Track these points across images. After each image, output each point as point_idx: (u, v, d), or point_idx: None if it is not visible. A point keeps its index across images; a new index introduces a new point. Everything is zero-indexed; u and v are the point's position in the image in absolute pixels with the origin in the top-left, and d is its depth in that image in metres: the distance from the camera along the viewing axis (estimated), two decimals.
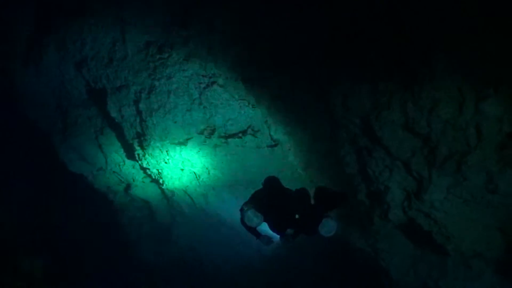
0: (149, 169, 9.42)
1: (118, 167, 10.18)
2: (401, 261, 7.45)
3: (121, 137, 9.49)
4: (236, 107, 7.93)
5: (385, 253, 7.48)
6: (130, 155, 9.64)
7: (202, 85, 7.82)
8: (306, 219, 5.80)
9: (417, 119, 5.77)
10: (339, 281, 8.86)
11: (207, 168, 8.83)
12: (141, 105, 8.26)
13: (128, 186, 10.60)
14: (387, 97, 5.90)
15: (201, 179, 9.15)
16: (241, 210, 6.53)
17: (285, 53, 6.91)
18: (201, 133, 8.31)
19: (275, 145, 8.19)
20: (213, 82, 7.72)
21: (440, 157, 5.77)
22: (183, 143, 8.46)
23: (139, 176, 10.20)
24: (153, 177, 9.77)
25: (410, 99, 5.77)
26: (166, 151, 8.65)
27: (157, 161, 9.05)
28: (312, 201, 6.25)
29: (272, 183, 6.19)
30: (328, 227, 5.31)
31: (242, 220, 5.99)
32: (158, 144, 8.55)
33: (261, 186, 6.19)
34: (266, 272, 10.05)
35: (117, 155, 9.96)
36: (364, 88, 6.12)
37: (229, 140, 8.33)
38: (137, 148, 9.02)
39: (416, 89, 5.69)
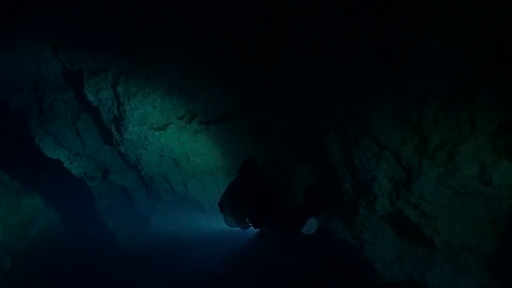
0: (127, 155, 8.98)
1: (96, 152, 9.74)
2: (387, 253, 7.08)
3: (98, 121, 9.04)
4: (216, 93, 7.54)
5: (370, 245, 7.10)
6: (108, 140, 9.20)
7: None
8: (288, 219, 5.53)
9: (407, 107, 5.37)
10: (321, 274, 8.54)
11: (186, 154, 8.40)
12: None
13: (105, 172, 10.15)
14: (375, 84, 5.45)
15: (180, 166, 8.72)
16: (221, 207, 6.20)
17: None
18: (181, 118, 7.91)
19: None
20: None
21: (431, 147, 5.32)
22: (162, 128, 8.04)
23: (117, 162, 9.76)
24: (132, 163, 9.33)
25: (400, 86, 5.37)
26: (145, 137, 8.22)
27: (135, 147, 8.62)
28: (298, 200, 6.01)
29: (248, 171, 5.86)
30: (310, 225, 5.02)
31: (224, 220, 5.78)
32: (136, 129, 8.11)
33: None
34: (247, 260, 9.68)
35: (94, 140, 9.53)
36: (350, 74, 5.67)
37: (210, 126, 7.94)
38: (115, 133, 8.58)
39: (406, 76, 5.29)
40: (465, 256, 6.44)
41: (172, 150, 8.33)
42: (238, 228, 6.49)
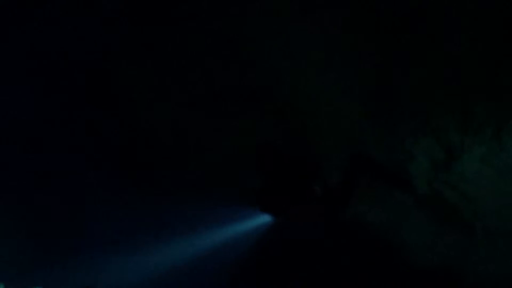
0: None
1: None
2: (421, 238, 6.60)
3: None
4: None
5: (403, 228, 6.67)
6: None
7: None
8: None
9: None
10: (350, 258, 8.12)
11: None
12: None
13: None
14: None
15: None
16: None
17: None
18: None
19: None
20: None
21: (475, 121, 4.86)
22: None
23: None
24: None
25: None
26: None
27: None
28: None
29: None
30: None
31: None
32: None
33: None
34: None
35: None
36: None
37: None
38: None
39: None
40: (506, 243, 5.95)
41: None
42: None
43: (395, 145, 5.66)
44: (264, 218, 7.06)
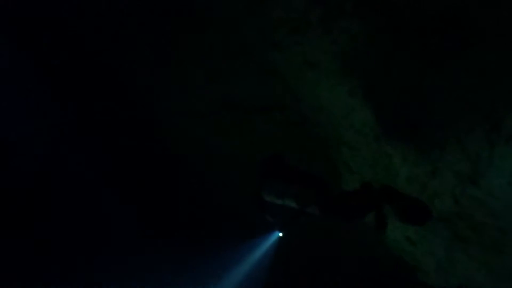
0: None
1: None
2: (441, 256, 6.28)
3: None
4: None
5: (423, 246, 6.33)
6: None
7: None
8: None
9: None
10: (370, 276, 7.80)
11: None
12: None
13: None
14: None
15: None
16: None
17: None
18: None
19: None
20: None
21: (504, 133, 4.50)
22: None
23: None
24: None
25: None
26: None
27: None
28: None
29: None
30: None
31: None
32: None
33: None
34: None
35: None
36: None
37: None
38: None
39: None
40: None
41: None
42: None
43: (418, 159, 5.34)
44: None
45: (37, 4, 6.92)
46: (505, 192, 4.79)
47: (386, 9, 5.10)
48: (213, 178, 9.10)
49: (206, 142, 8.18)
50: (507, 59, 4.28)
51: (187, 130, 8.20)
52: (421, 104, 5.01)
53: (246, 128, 7.66)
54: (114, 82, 8.03)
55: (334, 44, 5.81)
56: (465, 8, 4.47)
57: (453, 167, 5.08)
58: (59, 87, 7.77)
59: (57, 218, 8.42)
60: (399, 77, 5.27)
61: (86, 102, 8.13)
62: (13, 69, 7.44)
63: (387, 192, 5.44)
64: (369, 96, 5.72)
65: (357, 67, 5.79)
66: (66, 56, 7.49)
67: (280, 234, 6.11)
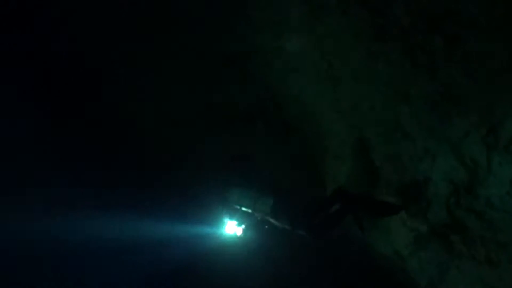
0: None
1: None
2: (435, 271, 5.75)
3: None
4: None
5: (414, 260, 5.83)
6: None
7: None
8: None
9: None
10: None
11: None
12: None
13: None
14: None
15: None
16: None
17: None
18: None
19: None
20: None
21: (504, 139, 4.06)
22: None
23: None
24: None
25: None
26: None
27: None
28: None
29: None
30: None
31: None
32: None
33: None
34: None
35: None
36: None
37: None
38: None
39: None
40: None
41: None
42: None
43: (409, 166, 4.88)
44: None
45: None
46: (504, 203, 4.33)
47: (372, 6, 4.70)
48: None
49: (190, 150, 7.76)
50: (503, 54, 3.85)
51: (170, 138, 7.78)
52: (410, 109, 4.55)
53: (227, 137, 7.26)
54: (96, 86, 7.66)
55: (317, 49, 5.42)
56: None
57: (447, 175, 4.62)
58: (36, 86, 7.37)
59: None
60: (386, 80, 4.85)
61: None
62: None
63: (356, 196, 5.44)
64: (355, 103, 5.29)
65: (342, 73, 5.38)
66: (47, 58, 7.09)
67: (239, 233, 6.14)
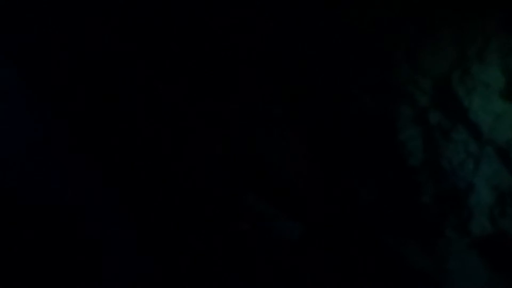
0: None
1: None
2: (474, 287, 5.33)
3: None
4: None
5: (454, 275, 5.34)
6: None
7: None
8: None
9: None
10: None
11: None
12: None
13: None
14: (479, 44, 3.77)
15: None
16: None
17: None
18: None
19: None
20: None
21: None
22: None
23: None
24: None
25: None
26: None
27: None
28: None
29: None
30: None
31: None
32: None
33: None
34: None
35: None
36: (443, 32, 3.99)
37: None
38: None
39: None
40: None
41: None
42: None
43: (448, 172, 4.40)
44: None
45: None
46: None
47: None
48: None
49: None
50: None
51: None
52: (453, 105, 4.08)
53: None
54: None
55: None
56: None
57: (492, 181, 4.13)
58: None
59: None
60: None
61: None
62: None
63: None
64: None
65: None
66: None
67: None
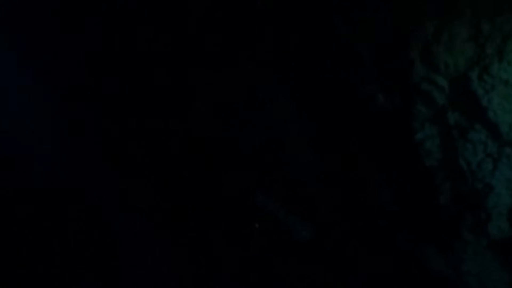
0: None
1: None
2: None
3: None
4: None
5: (472, 278, 5.23)
6: None
7: None
8: None
9: None
10: None
11: None
12: None
13: None
14: (498, 43, 3.65)
15: None
16: None
17: None
18: None
19: None
20: None
21: None
22: None
23: None
24: None
25: None
26: None
27: None
28: None
29: None
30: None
31: None
32: None
33: None
34: None
35: None
36: (460, 30, 3.88)
37: None
38: None
39: None
40: None
41: None
42: None
43: (466, 173, 4.29)
44: None
45: None
46: None
47: None
48: None
49: None
50: None
51: None
52: (471, 104, 3.96)
53: None
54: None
55: None
56: None
57: (510, 183, 4.01)
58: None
59: None
60: None
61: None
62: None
63: None
64: None
65: None
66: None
67: None
